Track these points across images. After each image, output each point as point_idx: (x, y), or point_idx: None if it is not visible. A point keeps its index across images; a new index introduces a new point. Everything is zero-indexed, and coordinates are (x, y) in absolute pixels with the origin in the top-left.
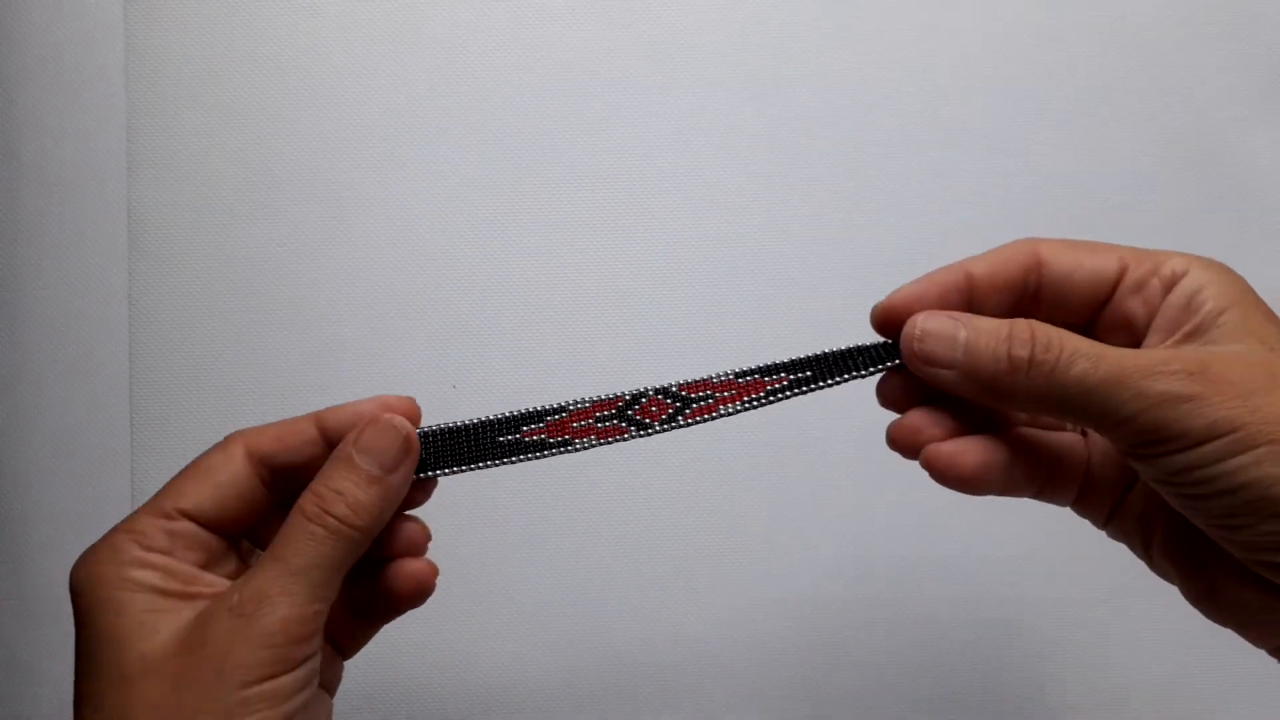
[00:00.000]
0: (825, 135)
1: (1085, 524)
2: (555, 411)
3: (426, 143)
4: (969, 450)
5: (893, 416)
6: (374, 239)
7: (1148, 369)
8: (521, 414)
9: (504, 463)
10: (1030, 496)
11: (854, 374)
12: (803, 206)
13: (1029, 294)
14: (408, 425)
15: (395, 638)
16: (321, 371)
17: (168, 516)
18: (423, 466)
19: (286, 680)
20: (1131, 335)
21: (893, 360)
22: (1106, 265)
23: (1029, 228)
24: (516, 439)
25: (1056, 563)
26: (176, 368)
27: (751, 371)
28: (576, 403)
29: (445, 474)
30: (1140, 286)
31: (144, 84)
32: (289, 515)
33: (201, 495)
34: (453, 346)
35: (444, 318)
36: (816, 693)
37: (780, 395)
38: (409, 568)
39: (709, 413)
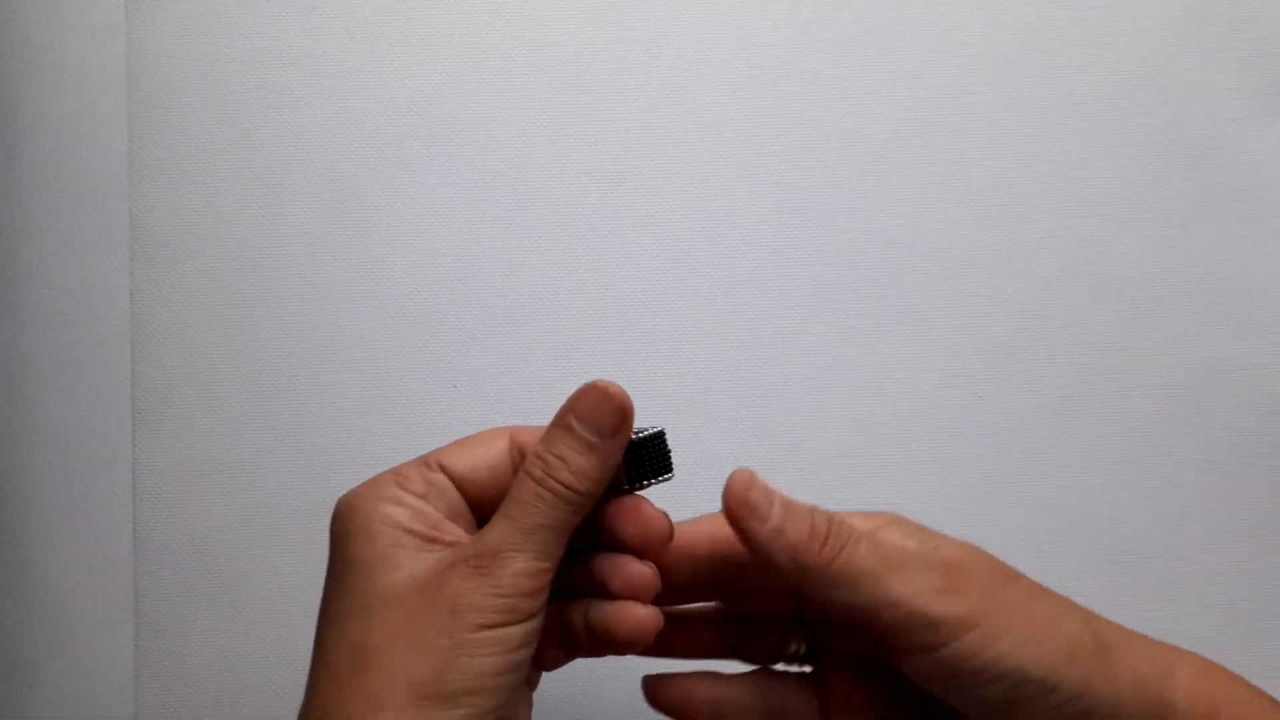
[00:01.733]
0: (828, 135)
1: (1082, 529)
2: None
3: (428, 143)
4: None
5: None
6: (375, 239)
7: (913, 558)
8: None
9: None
10: None
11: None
12: (805, 206)
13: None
14: (621, 392)
15: None
16: (322, 371)
17: (428, 466)
18: (638, 474)
19: (515, 630)
20: None
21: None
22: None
23: (1029, 228)
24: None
25: (1053, 567)
26: (177, 368)
27: None
28: None
29: (655, 482)
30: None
31: (145, 84)
32: (517, 479)
33: (460, 459)
34: (453, 346)
35: (445, 318)
36: None
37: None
38: (633, 612)
39: None
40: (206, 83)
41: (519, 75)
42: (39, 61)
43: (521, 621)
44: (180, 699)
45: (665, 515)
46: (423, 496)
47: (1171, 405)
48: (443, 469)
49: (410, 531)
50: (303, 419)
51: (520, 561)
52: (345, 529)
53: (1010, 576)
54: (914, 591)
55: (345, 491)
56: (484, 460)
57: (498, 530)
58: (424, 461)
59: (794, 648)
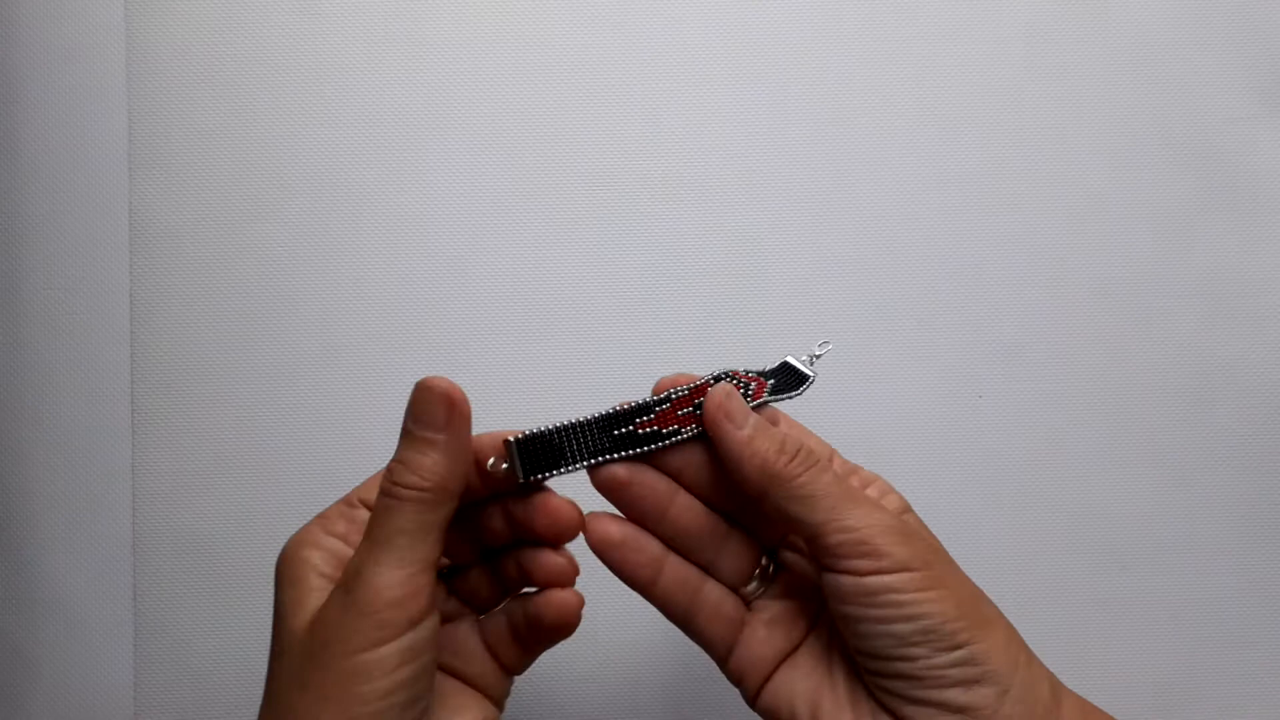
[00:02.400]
0: (828, 136)
1: (1082, 526)
2: (660, 403)
3: (428, 142)
4: (633, 532)
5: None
6: (375, 239)
7: (875, 502)
8: (634, 407)
9: (627, 456)
10: (684, 627)
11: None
12: (805, 207)
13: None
14: (444, 384)
15: None
16: (322, 372)
17: (350, 504)
18: (532, 469)
19: (388, 650)
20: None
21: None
22: (821, 447)
23: (1029, 227)
24: (631, 431)
25: (1052, 566)
26: (176, 368)
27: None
28: (676, 391)
29: (571, 469)
30: (844, 476)
31: (145, 83)
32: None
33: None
34: (453, 346)
35: (445, 317)
36: None
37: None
38: (554, 597)
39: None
40: (206, 82)
41: (519, 75)
42: (39, 61)
43: (395, 638)
44: (180, 699)
45: (572, 504)
46: (343, 536)
47: (1171, 405)
48: (363, 504)
49: (322, 574)
50: (302, 419)
51: (383, 574)
52: (277, 577)
53: (953, 565)
54: (867, 524)
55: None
56: None
57: (360, 549)
58: (346, 500)
59: (766, 563)
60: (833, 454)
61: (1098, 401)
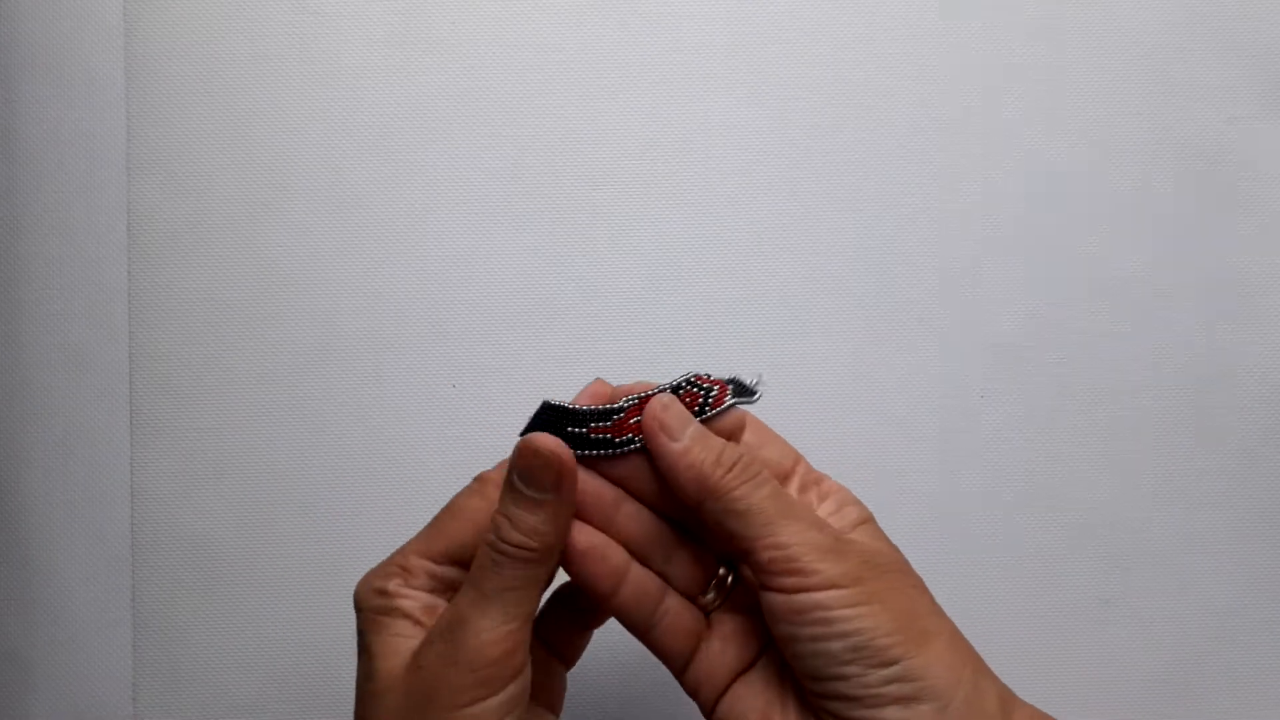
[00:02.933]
0: (827, 136)
1: (1083, 526)
2: (617, 411)
3: (427, 142)
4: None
5: None
6: (374, 238)
7: (814, 518)
8: (590, 411)
9: (581, 457)
10: (645, 641)
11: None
12: (805, 207)
13: None
14: (552, 446)
15: None
16: (322, 372)
17: (434, 559)
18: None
19: (493, 703)
20: None
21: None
22: (786, 455)
23: (1029, 227)
24: (584, 433)
25: (1052, 566)
26: (175, 368)
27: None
28: (631, 400)
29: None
30: (806, 486)
31: (144, 84)
32: (481, 545)
33: (458, 535)
34: (453, 346)
35: (444, 317)
36: None
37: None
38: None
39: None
40: (205, 82)
41: (518, 75)
42: (37, 60)
43: (499, 692)
44: (179, 699)
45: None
46: (431, 590)
47: (1171, 405)
48: (448, 559)
49: (411, 618)
50: (302, 419)
51: (487, 630)
52: (364, 620)
53: (903, 570)
54: (797, 541)
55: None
56: (470, 535)
57: (462, 599)
58: (428, 553)
59: (724, 574)
60: (797, 461)
61: (1098, 401)
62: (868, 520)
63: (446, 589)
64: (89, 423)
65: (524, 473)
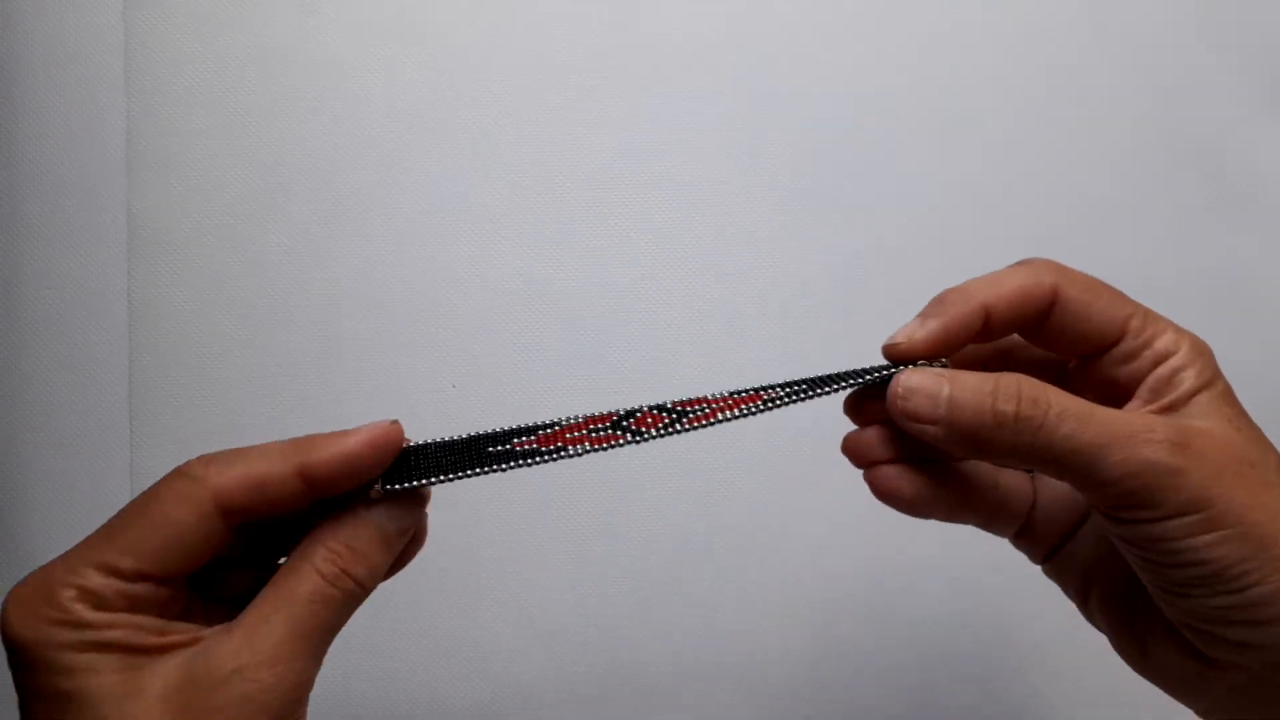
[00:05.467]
0: (826, 135)
1: None
2: (547, 426)
3: (427, 143)
4: (911, 480)
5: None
6: (374, 239)
7: (1134, 435)
8: (513, 429)
9: (492, 470)
10: (975, 525)
11: (849, 384)
12: (804, 207)
13: (1030, 327)
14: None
15: (398, 633)
16: (321, 372)
17: (122, 576)
18: (406, 477)
19: None
20: (1109, 393)
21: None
22: (1113, 321)
23: (1029, 227)
24: (508, 449)
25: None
26: (176, 368)
27: (749, 390)
28: (570, 418)
29: (432, 483)
30: (1131, 355)
31: (143, 84)
32: (292, 569)
33: (158, 550)
34: (453, 346)
35: (444, 317)
36: (812, 694)
37: (777, 403)
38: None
39: (707, 419)
40: (205, 82)
41: (518, 74)
42: (37, 61)
43: None
44: None
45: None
46: (128, 610)
47: None
48: (141, 575)
49: (137, 649)
50: (302, 419)
51: (293, 673)
52: (45, 665)
53: (1251, 463)
54: (1121, 473)
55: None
56: (191, 543)
57: (272, 635)
58: (113, 569)
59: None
60: (1127, 319)
61: None
62: (1208, 384)
63: (149, 603)
64: (89, 424)
65: (397, 511)
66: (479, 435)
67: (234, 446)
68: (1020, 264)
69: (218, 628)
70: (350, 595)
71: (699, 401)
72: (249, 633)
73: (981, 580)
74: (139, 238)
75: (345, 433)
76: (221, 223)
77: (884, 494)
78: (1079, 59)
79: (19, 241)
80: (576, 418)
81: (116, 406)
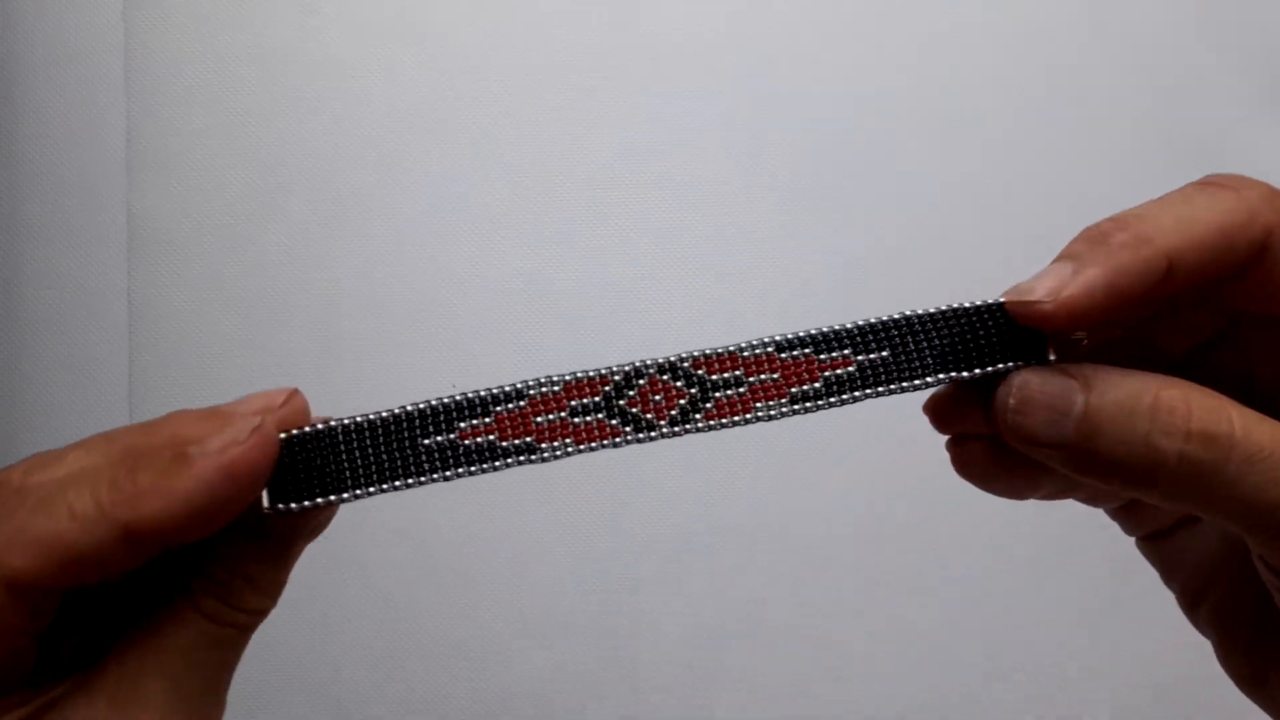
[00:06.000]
0: (826, 135)
1: (1083, 527)
2: (509, 398)
3: (427, 143)
4: (1008, 464)
5: None
6: (373, 238)
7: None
8: (458, 402)
9: (422, 481)
10: (1075, 500)
11: (948, 371)
12: (804, 207)
13: (1219, 285)
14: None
15: (397, 632)
16: (321, 372)
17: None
18: (303, 488)
19: None
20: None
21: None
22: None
23: (1029, 226)
24: (450, 440)
25: (1054, 564)
26: (176, 368)
27: (800, 342)
28: (541, 383)
29: (338, 500)
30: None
31: (143, 84)
32: (167, 613)
33: (58, 552)
34: (453, 346)
35: (444, 317)
36: (813, 693)
37: (843, 394)
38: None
39: (738, 413)
40: (204, 83)
41: (518, 74)
42: (38, 61)
43: None
44: None
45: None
46: None
47: None
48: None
49: None
50: None
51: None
52: None
53: None
54: (1261, 501)
55: None
56: (68, 551)
57: (147, 709)
58: None
59: None
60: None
61: None
62: None
63: None
64: (89, 424)
65: (310, 523)
66: (411, 412)
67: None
68: (1206, 187)
69: (68, 687)
70: (246, 628)
71: (729, 362)
72: (116, 701)
73: (983, 579)
74: (139, 238)
75: (179, 465)
76: (221, 222)
77: (974, 477)
78: (1079, 59)
79: (19, 241)
80: (551, 383)
81: (116, 406)
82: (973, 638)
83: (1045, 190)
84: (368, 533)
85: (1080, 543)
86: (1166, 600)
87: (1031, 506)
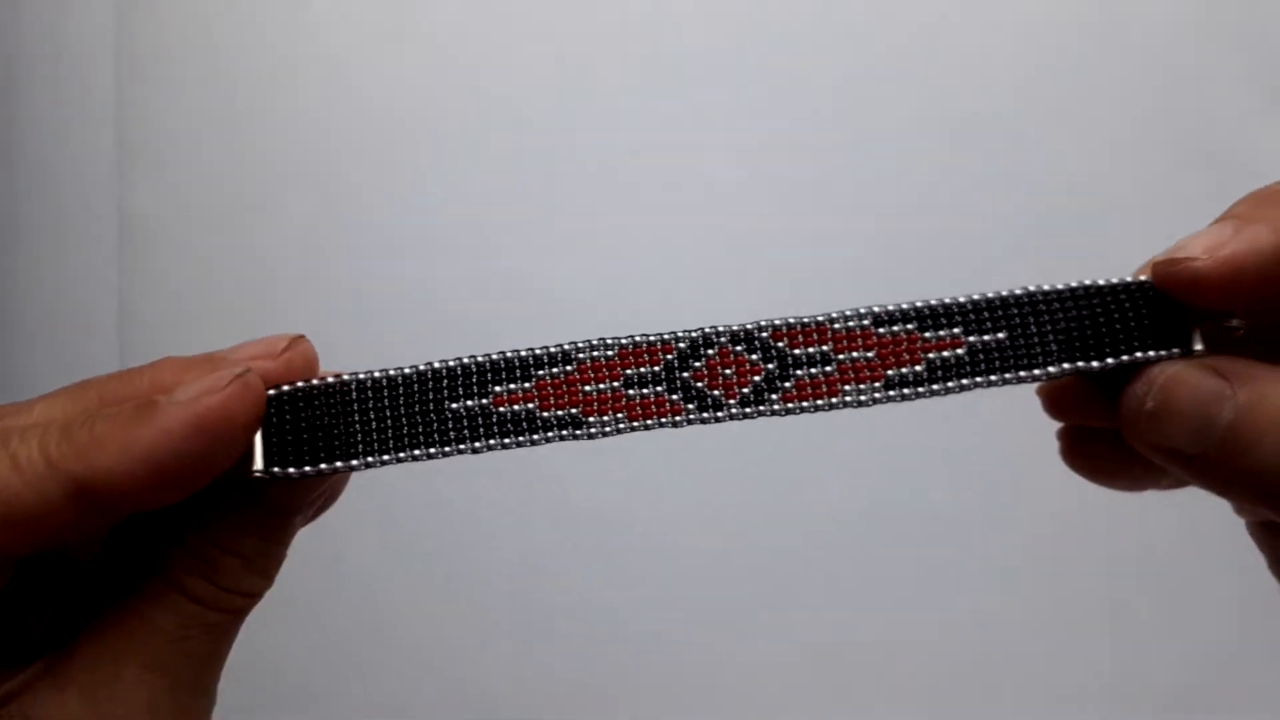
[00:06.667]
0: (826, 135)
1: (1083, 527)
2: (554, 361)
3: (422, 140)
4: (1126, 460)
5: None
6: (370, 237)
7: None
8: (494, 362)
9: (449, 451)
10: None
11: (1074, 361)
12: (805, 206)
13: None
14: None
15: (396, 632)
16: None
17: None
18: (305, 450)
19: None
20: None
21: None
22: None
23: (1029, 226)
24: (482, 406)
25: (1054, 565)
26: None
27: (903, 316)
28: (594, 346)
29: (344, 468)
30: None
31: (134, 84)
32: (145, 594)
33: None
34: (453, 346)
35: (442, 316)
36: (814, 693)
37: (948, 380)
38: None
39: (822, 395)
40: (196, 82)
41: (516, 72)
42: (30, 61)
43: None
44: None
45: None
46: None
47: None
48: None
49: None
50: None
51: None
52: None
53: None
54: None
55: None
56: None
57: (125, 704)
58: None
59: None
60: None
61: None
62: None
63: None
64: None
65: (282, 495)
66: (439, 370)
67: None
68: None
69: (38, 670)
70: (239, 611)
71: (814, 334)
72: (88, 691)
73: (984, 579)
74: (130, 237)
75: (143, 414)
76: (214, 222)
77: (1086, 476)
78: (1079, 59)
79: (10, 241)
80: (605, 348)
81: None
82: (975, 634)
83: (1045, 190)
84: (346, 529)
85: (1082, 542)
86: (1167, 600)
87: (1032, 507)
